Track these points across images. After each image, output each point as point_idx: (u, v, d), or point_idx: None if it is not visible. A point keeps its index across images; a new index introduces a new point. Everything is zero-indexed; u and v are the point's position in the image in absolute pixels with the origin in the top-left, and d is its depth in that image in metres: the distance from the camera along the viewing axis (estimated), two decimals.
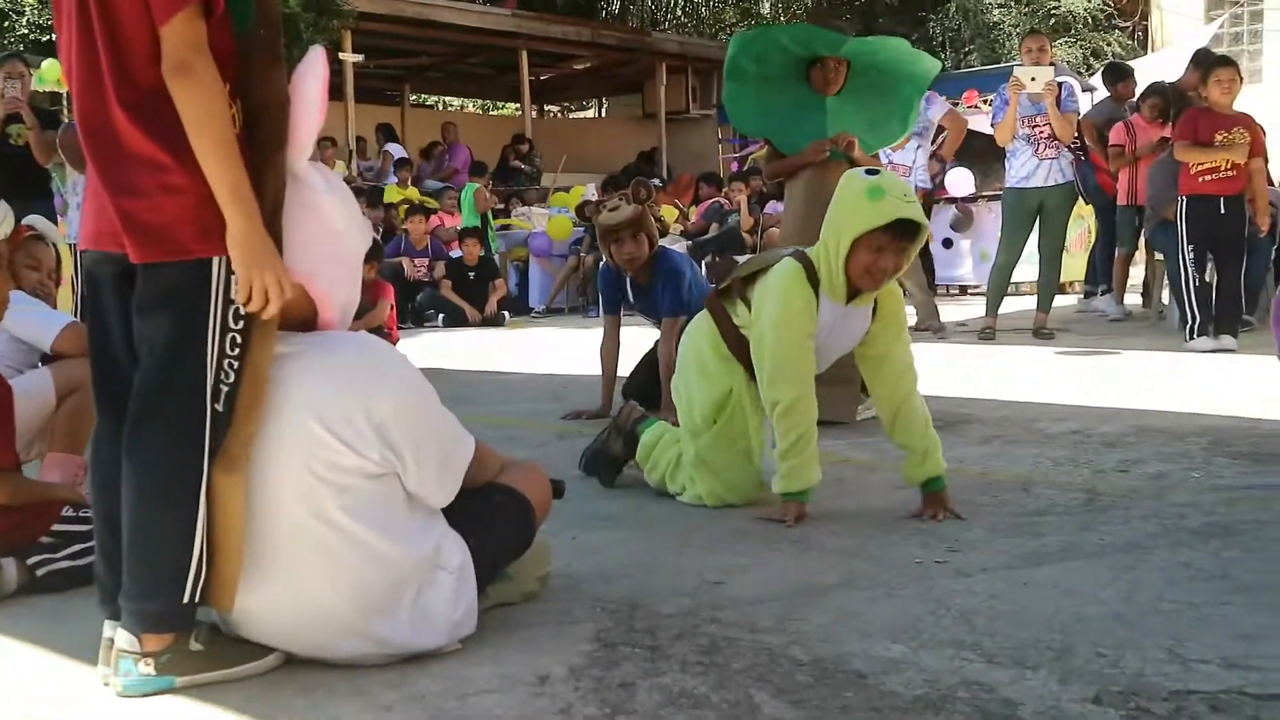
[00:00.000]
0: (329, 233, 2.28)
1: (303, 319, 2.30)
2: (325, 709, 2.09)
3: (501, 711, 2.05)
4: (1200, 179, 7.19)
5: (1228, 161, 7.10)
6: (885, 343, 3.43)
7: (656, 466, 3.72)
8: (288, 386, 2.19)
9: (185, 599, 2.14)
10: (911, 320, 8.66)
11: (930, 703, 2.03)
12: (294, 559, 2.18)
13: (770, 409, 3.33)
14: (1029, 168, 7.98)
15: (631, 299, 5.41)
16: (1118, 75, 9.97)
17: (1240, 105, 7.45)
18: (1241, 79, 7.36)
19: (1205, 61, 7.93)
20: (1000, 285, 8.34)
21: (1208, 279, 7.32)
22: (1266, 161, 7.56)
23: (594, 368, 5.58)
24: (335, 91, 15.61)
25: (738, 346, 3.50)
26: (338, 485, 2.17)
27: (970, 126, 9.69)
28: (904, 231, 3.18)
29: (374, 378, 2.24)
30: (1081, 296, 9.70)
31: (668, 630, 2.45)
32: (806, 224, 5.00)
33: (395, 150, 15.64)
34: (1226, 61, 7.52)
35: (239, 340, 2.15)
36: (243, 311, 2.15)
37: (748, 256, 3.43)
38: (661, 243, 5.54)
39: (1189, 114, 7.41)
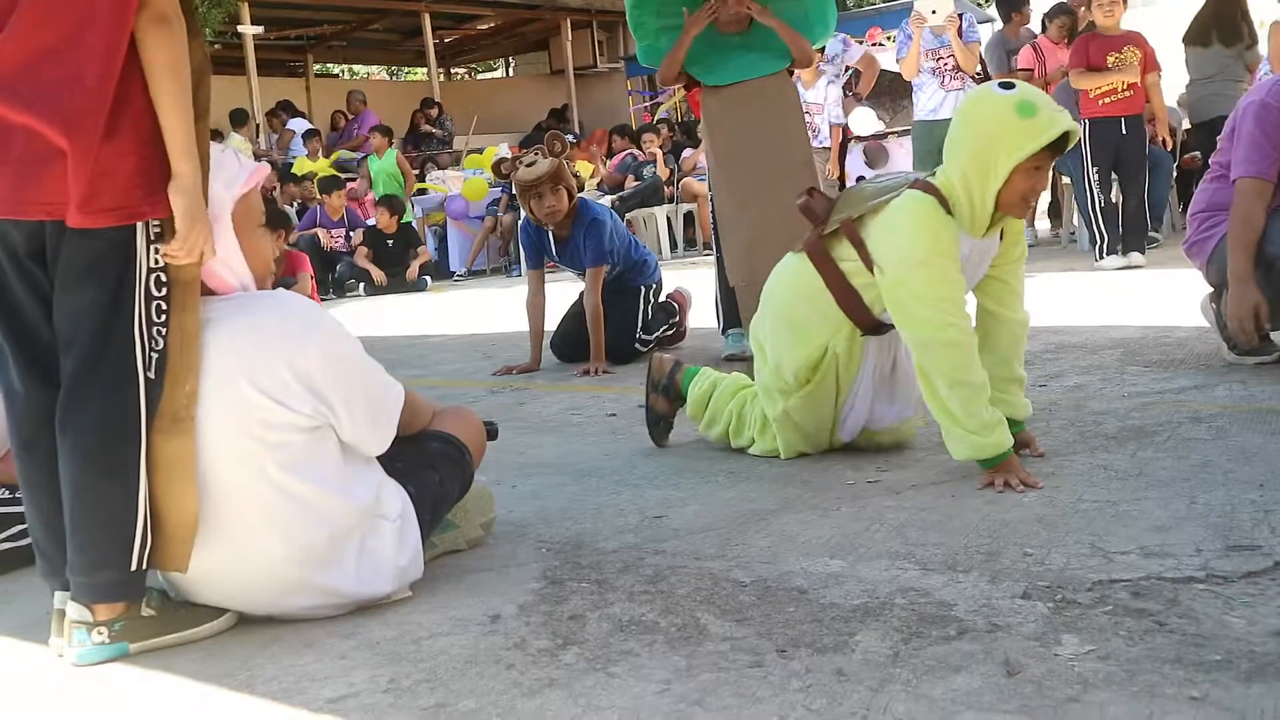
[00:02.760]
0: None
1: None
2: (282, 663, 2.12)
3: (456, 651, 2.10)
4: (1100, 102, 7.35)
5: (1124, 82, 7.26)
6: (1008, 266, 3.12)
7: (716, 420, 3.44)
8: (214, 351, 2.20)
9: (133, 567, 2.15)
10: None
11: (870, 610, 2.12)
12: (235, 519, 2.21)
13: (925, 354, 2.89)
14: (936, 100, 8.11)
15: (554, 252, 5.44)
16: (1011, 6, 9.94)
17: (1135, 27, 7.61)
18: (1125, 1, 7.51)
19: None
20: None
21: (1113, 199, 7.51)
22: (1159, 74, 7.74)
23: (520, 325, 5.61)
24: (237, 65, 15.37)
25: (843, 296, 3.12)
26: (273, 442, 2.19)
27: (882, 64, 9.78)
28: (1057, 144, 2.82)
29: (297, 332, 2.25)
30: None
31: (613, 564, 2.51)
32: (732, 141, 4.94)
33: (298, 125, 15.43)
34: None
35: (164, 307, 2.17)
36: (164, 278, 2.16)
37: (851, 188, 3.38)
38: (582, 195, 5.56)
39: (1079, 41, 7.55)
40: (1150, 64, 7.38)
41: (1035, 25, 9.63)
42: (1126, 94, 7.29)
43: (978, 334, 3.02)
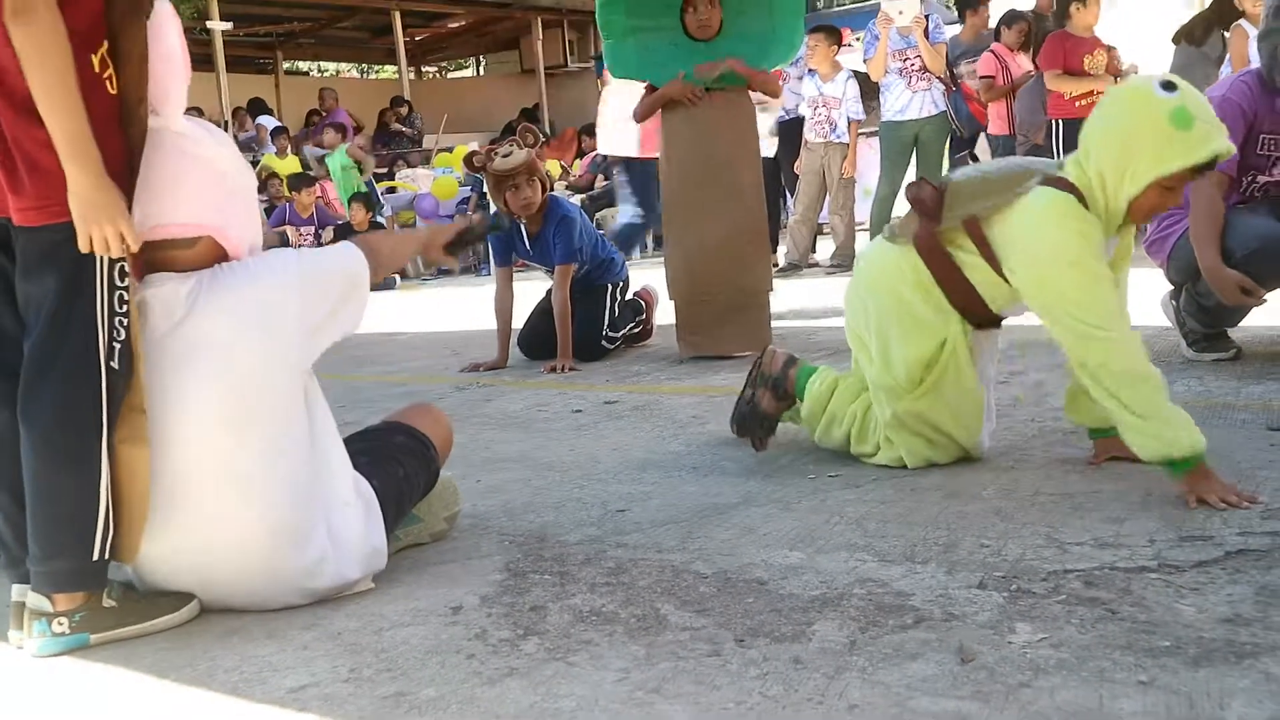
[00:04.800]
0: (220, 176, 2.32)
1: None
2: (243, 653, 2.13)
3: (417, 641, 2.11)
4: (1076, 103, 7.44)
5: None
6: (1118, 270, 2.87)
7: (837, 423, 3.15)
8: (196, 320, 2.23)
9: (94, 557, 2.15)
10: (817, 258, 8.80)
11: (828, 600, 2.14)
12: (209, 497, 2.22)
13: (1085, 347, 2.63)
14: (903, 100, 8.14)
15: (522, 248, 5.44)
16: (965, 5, 9.69)
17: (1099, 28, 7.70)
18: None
19: None
20: (882, 217, 8.50)
21: None
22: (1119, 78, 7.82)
23: (489, 323, 5.61)
24: (205, 62, 15.30)
25: (956, 293, 2.90)
26: (251, 417, 2.22)
27: (846, 65, 9.79)
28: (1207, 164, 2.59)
29: (277, 291, 2.29)
30: None
31: (575, 557, 2.53)
32: (688, 161, 5.03)
33: (268, 122, 15.38)
34: None
35: (127, 297, 2.17)
36: (127, 269, 2.16)
37: (957, 176, 2.97)
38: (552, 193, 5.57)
39: (1053, 41, 7.60)
40: (1113, 67, 7.48)
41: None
42: (1100, 96, 7.37)
43: None
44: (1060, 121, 7.46)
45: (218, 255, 2.32)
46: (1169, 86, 2.59)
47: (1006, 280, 2.80)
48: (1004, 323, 3.04)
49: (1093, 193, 2.69)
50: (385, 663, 2.02)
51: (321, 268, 2.38)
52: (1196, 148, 2.54)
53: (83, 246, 2.10)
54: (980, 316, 2.94)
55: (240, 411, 2.21)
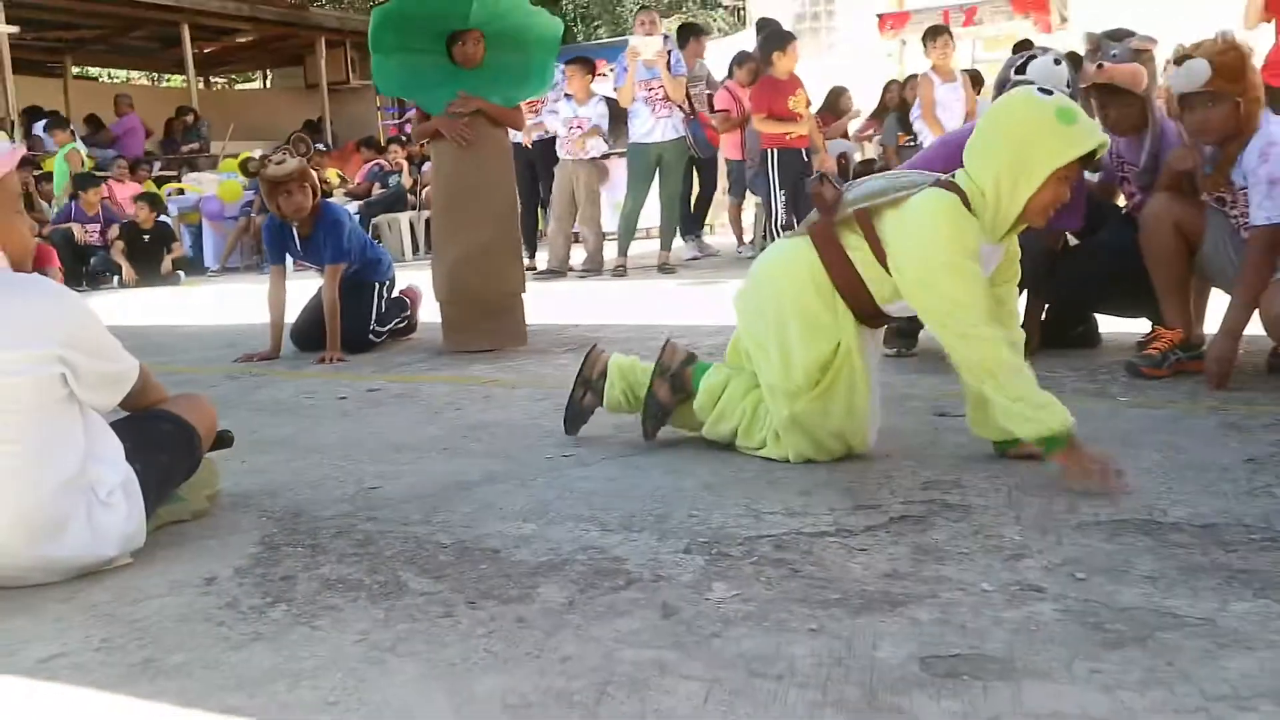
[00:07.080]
0: None
1: None
2: None
3: (170, 611, 2.02)
4: (787, 136, 7.75)
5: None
6: (1004, 286, 2.79)
7: (726, 417, 2.94)
8: None
9: None
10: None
11: (553, 565, 2.16)
12: None
13: (969, 347, 2.56)
14: (648, 125, 8.29)
15: (295, 249, 5.28)
16: (691, 33, 9.80)
17: (816, 71, 8.06)
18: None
19: (770, 30, 8.26)
20: (629, 229, 8.65)
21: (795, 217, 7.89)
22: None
23: (266, 318, 5.41)
24: None
25: (846, 286, 2.75)
26: (5, 408, 2.07)
27: (603, 93, 9.89)
28: (1087, 156, 2.58)
29: (52, 305, 2.16)
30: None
31: (327, 530, 2.47)
32: (452, 181, 5.03)
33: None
34: (794, 36, 8.16)
35: None
36: None
37: (863, 182, 2.81)
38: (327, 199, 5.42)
39: (760, 87, 7.93)
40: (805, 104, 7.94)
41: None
42: (804, 131, 7.80)
43: None
44: (773, 151, 7.77)
45: None
46: (1046, 91, 2.60)
47: (891, 274, 2.70)
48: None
49: (981, 200, 2.62)
50: (137, 632, 1.93)
51: (105, 334, 2.27)
52: (1084, 139, 2.53)
53: None
54: (866, 311, 2.79)
55: None
